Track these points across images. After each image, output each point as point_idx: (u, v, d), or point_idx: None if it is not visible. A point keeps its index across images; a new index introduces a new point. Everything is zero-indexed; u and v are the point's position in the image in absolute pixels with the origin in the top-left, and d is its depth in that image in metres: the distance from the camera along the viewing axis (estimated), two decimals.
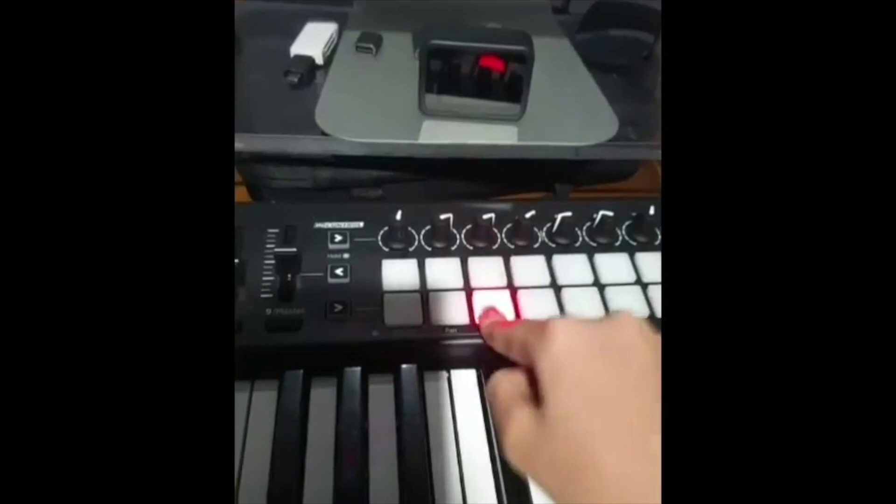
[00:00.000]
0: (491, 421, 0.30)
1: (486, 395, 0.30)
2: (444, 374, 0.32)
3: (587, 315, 0.28)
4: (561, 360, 0.24)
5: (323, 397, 0.31)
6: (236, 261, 0.33)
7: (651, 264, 0.36)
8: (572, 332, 0.24)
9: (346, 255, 0.35)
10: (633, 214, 0.39)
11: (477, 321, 0.32)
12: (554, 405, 0.23)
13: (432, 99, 0.42)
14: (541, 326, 0.25)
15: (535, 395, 0.25)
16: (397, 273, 0.34)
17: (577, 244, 0.37)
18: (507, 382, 0.26)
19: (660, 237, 0.38)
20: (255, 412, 0.30)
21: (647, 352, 0.24)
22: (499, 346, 0.29)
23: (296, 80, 0.46)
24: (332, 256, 0.35)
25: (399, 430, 0.30)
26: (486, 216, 0.36)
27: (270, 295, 0.33)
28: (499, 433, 0.26)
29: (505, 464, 0.28)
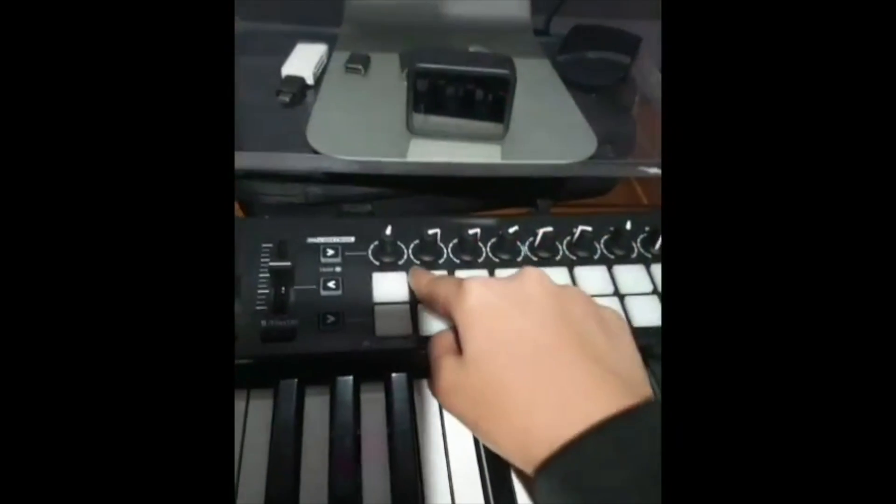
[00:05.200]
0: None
1: None
2: None
3: None
4: (474, 311, 0.28)
5: (316, 405, 0.32)
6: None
7: (628, 276, 0.38)
8: (483, 287, 0.29)
9: (338, 269, 0.37)
10: (611, 229, 0.40)
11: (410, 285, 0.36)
12: (470, 349, 0.28)
13: (419, 118, 0.43)
14: (457, 284, 0.29)
15: (460, 346, 0.29)
16: (387, 286, 0.36)
17: (558, 258, 0.39)
18: (439, 340, 0.31)
19: (636, 250, 0.40)
20: (252, 420, 0.31)
21: (546, 299, 0.28)
22: (423, 298, 0.34)
23: (287, 99, 0.47)
24: (324, 270, 0.36)
25: (390, 436, 0.31)
26: (471, 231, 0.38)
27: (265, 307, 0.34)
28: (431, 385, 0.31)
29: (492, 467, 0.30)
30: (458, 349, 0.29)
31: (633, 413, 0.24)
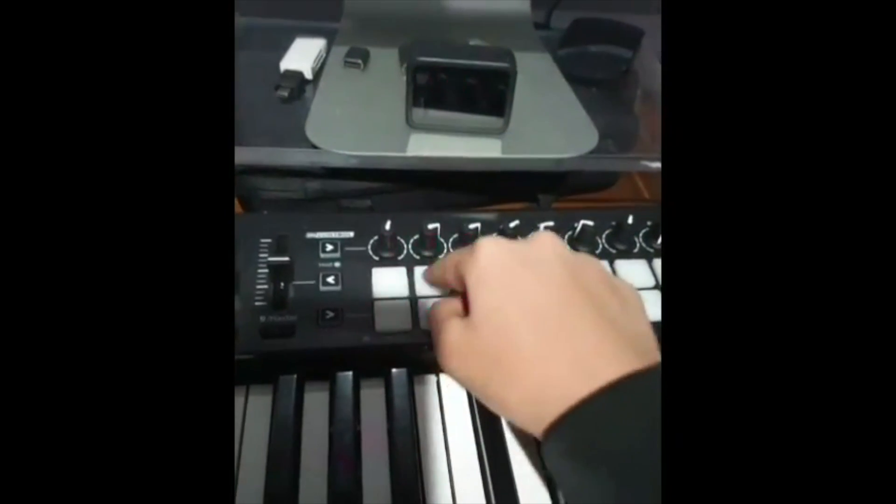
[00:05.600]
0: (473, 408, 0.32)
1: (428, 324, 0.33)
2: (434, 377, 0.34)
3: None
4: (486, 268, 0.27)
5: (316, 401, 0.32)
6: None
7: (630, 271, 0.38)
8: (496, 246, 0.28)
9: (337, 264, 0.36)
10: (613, 223, 0.40)
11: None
12: (479, 306, 0.27)
13: (419, 113, 0.43)
14: (471, 247, 0.29)
15: (467, 313, 0.28)
16: (387, 281, 0.36)
17: None
18: (443, 303, 0.31)
19: (638, 245, 0.40)
20: (251, 416, 0.31)
21: (558, 263, 0.28)
22: (438, 276, 0.33)
23: (286, 94, 0.47)
24: (323, 265, 0.36)
25: (390, 432, 0.31)
26: (472, 226, 0.38)
27: (264, 303, 0.34)
28: (436, 348, 0.29)
29: (493, 462, 0.30)
30: (464, 313, 0.28)
31: (643, 376, 0.24)
